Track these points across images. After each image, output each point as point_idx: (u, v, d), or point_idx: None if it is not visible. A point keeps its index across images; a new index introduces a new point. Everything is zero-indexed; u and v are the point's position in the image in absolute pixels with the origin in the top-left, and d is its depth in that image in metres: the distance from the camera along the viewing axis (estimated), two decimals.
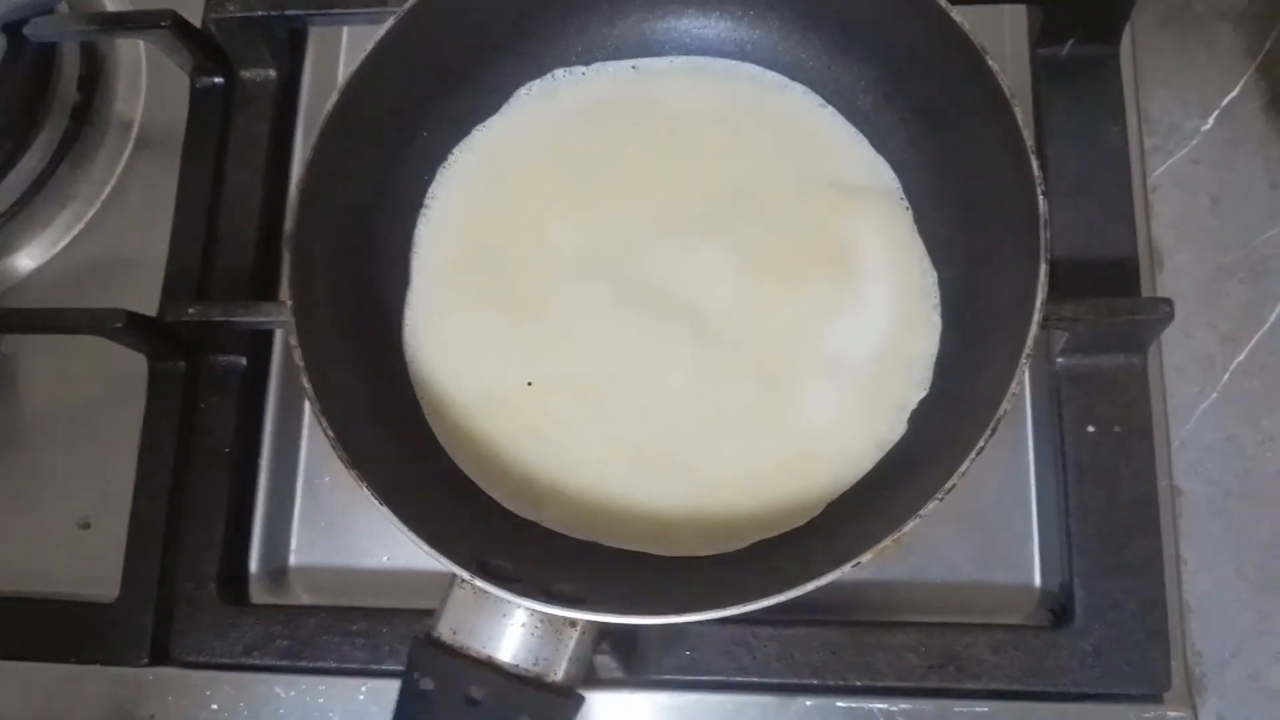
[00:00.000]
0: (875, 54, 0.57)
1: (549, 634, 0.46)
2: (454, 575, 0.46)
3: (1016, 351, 0.46)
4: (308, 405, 0.65)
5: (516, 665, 0.46)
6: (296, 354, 0.50)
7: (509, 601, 0.45)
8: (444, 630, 0.47)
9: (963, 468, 0.45)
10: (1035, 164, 0.47)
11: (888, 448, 0.54)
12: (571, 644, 0.46)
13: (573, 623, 0.46)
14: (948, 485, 0.45)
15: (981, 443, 0.45)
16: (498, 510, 0.54)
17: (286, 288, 0.52)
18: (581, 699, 0.47)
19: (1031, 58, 0.62)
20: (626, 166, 0.59)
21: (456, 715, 0.45)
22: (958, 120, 0.54)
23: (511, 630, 0.46)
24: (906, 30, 0.54)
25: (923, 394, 0.55)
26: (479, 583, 0.45)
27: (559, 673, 0.46)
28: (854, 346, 0.55)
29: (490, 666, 0.46)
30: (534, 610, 0.45)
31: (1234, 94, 0.63)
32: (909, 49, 0.55)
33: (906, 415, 0.54)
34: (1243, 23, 0.64)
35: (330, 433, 0.48)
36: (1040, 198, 0.47)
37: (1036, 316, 0.46)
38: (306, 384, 0.49)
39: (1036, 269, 0.47)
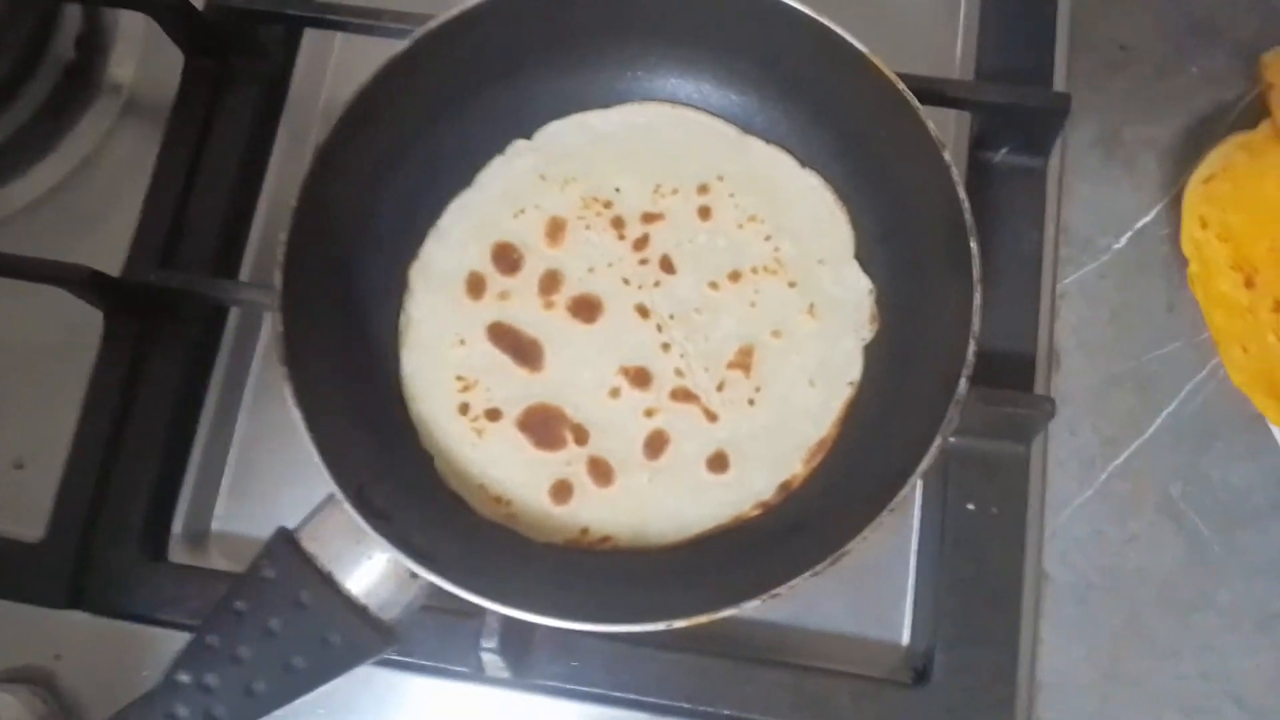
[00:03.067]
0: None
1: (392, 576, 0.49)
2: (332, 492, 0.49)
3: (928, 436, 0.50)
4: (249, 385, 0.69)
5: (352, 591, 0.49)
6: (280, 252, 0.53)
7: (366, 534, 0.48)
8: (304, 535, 0.50)
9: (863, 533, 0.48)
10: (977, 274, 0.51)
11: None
12: (410, 593, 0.50)
13: (415, 575, 0.49)
14: (847, 547, 0.48)
15: (887, 509, 0.49)
16: (408, 454, 0.57)
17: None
18: (395, 642, 0.50)
19: (969, 158, 0.67)
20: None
21: (281, 609, 0.48)
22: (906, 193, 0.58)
23: (361, 559, 0.49)
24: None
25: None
26: (348, 508, 0.48)
27: (387, 612, 0.50)
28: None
29: (328, 582, 0.49)
30: (386, 550, 0.48)
31: (1147, 219, 0.68)
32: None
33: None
34: (1165, 157, 0.69)
35: (280, 327, 0.51)
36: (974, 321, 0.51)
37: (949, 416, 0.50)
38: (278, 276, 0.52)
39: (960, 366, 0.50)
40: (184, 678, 0.47)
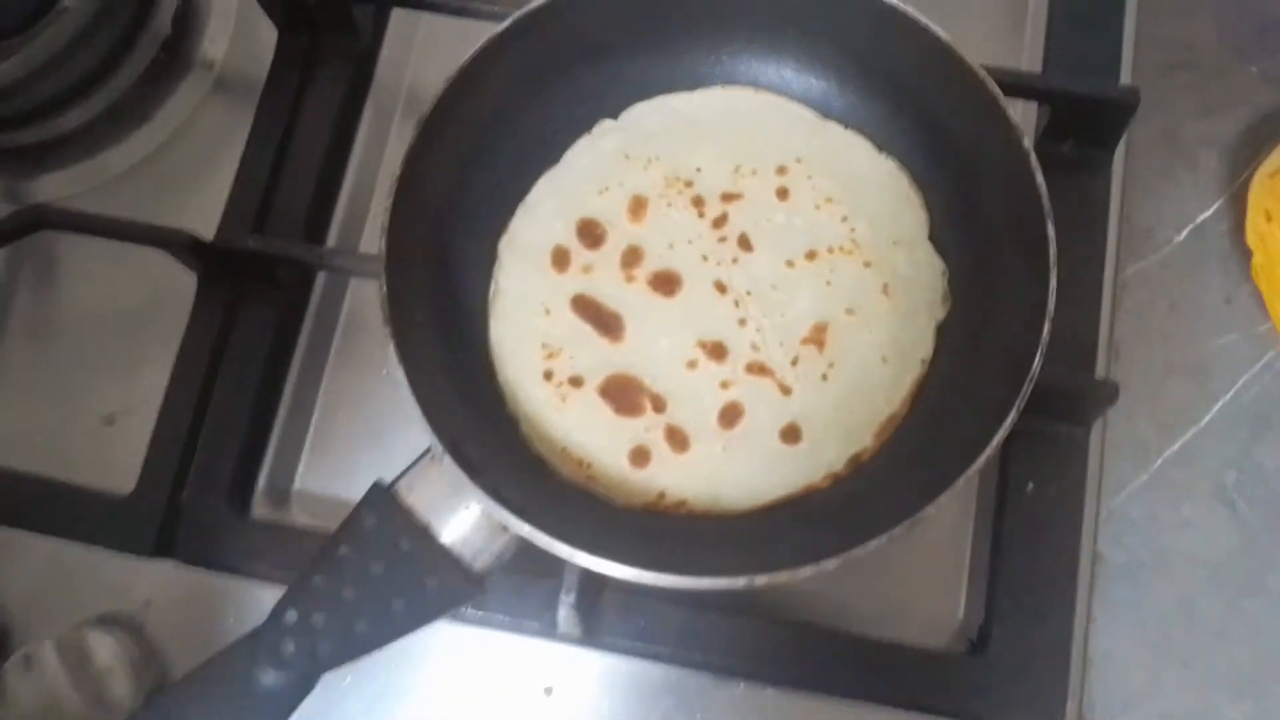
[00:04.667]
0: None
1: (484, 527, 0.52)
2: (431, 445, 0.51)
3: (1002, 410, 0.51)
4: (333, 350, 0.72)
5: (447, 541, 0.52)
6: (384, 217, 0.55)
7: (462, 486, 0.50)
8: (402, 486, 0.53)
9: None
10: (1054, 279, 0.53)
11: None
12: (499, 544, 0.52)
13: (505, 528, 0.51)
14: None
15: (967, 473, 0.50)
16: (496, 417, 0.59)
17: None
18: (484, 590, 0.52)
19: (1034, 148, 0.69)
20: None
21: (382, 555, 0.51)
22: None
23: (456, 510, 0.52)
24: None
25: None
26: (446, 461, 0.51)
27: (478, 562, 0.52)
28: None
29: (426, 531, 0.51)
30: (480, 501, 0.51)
31: (1207, 214, 0.70)
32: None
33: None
34: (1225, 154, 0.71)
35: (384, 288, 0.53)
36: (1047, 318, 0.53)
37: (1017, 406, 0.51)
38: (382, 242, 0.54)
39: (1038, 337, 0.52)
40: (291, 615, 0.50)
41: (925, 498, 0.50)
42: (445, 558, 0.51)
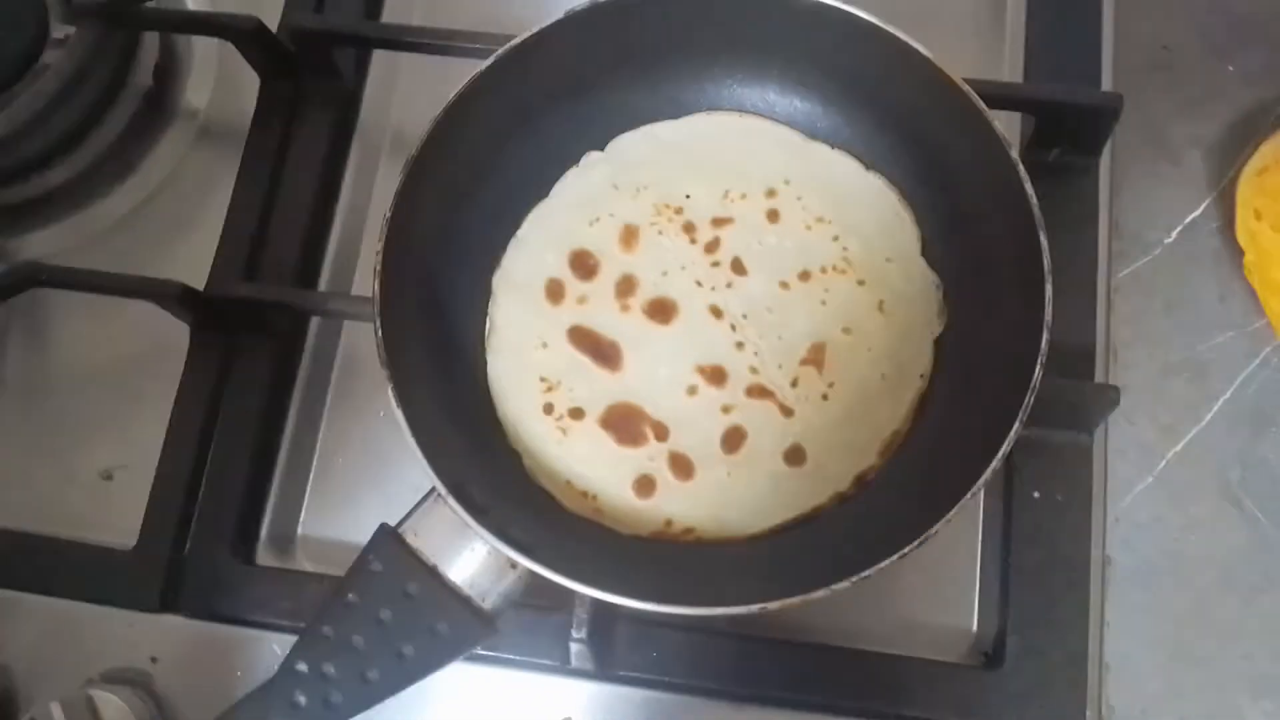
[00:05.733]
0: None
1: (492, 567, 0.52)
2: (434, 487, 0.51)
3: (1005, 422, 0.51)
4: (330, 394, 0.72)
5: (455, 582, 0.51)
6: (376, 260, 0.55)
7: (468, 527, 0.50)
8: (408, 530, 0.52)
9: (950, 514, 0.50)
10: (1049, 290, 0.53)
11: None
12: (507, 583, 0.52)
13: (514, 565, 0.51)
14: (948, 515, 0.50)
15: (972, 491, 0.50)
16: (498, 453, 0.59)
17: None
18: (496, 630, 0.52)
19: (1020, 158, 0.69)
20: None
21: (391, 601, 0.51)
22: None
23: (463, 551, 0.52)
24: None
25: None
26: (451, 502, 0.50)
27: (487, 602, 0.52)
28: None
29: (434, 573, 0.51)
30: (486, 541, 0.50)
31: (1196, 214, 0.70)
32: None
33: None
34: (1211, 153, 0.71)
35: (379, 332, 0.53)
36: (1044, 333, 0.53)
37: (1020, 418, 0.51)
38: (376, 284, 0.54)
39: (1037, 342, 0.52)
40: (302, 666, 0.49)
41: (933, 514, 0.50)
42: (454, 600, 0.51)
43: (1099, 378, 0.66)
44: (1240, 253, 0.66)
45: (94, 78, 0.72)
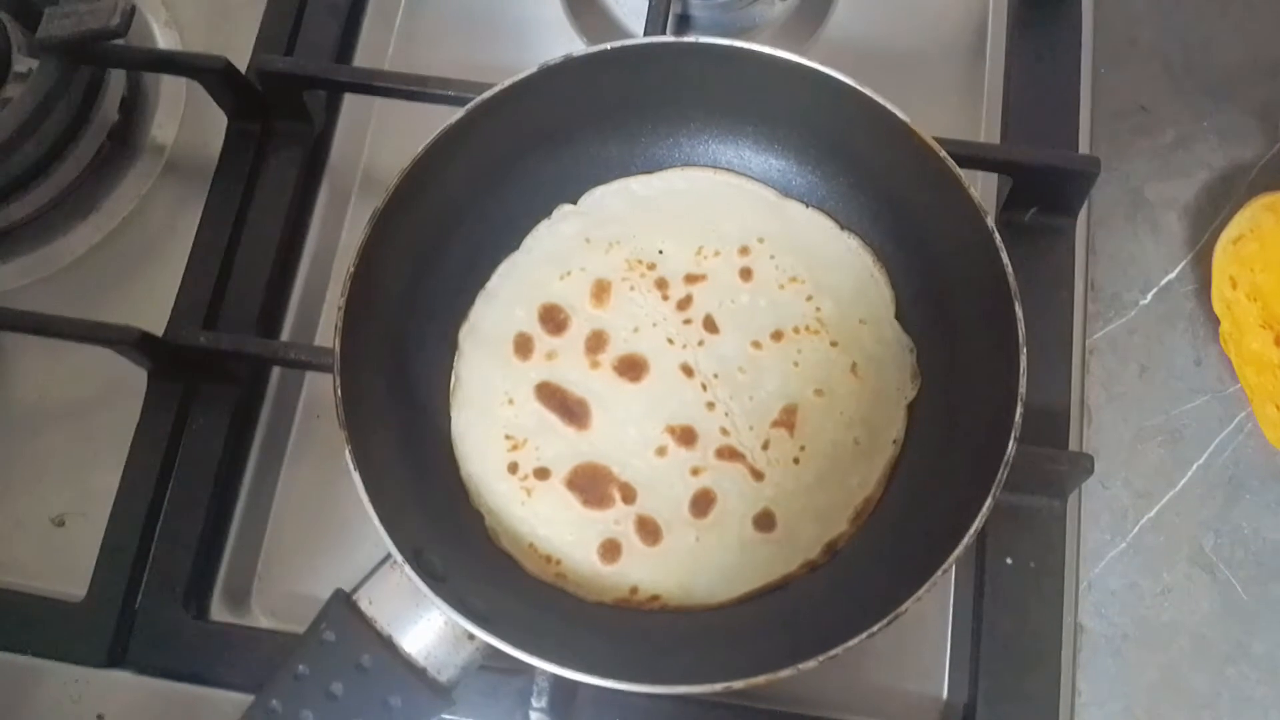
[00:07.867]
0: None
1: (449, 637, 0.50)
2: (389, 554, 0.50)
3: (979, 495, 0.50)
4: (290, 443, 0.70)
5: (410, 653, 0.50)
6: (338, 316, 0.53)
7: (424, 594, 0.49)
8: (362, 597, 0.51)
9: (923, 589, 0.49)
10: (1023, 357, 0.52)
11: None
12: (465, 654, 0.51)
13: (471, 636, 0.49)
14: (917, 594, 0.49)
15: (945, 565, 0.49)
16: (460, 515, 0.58)
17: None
18: (452, 703, 0.51)
19: (996, 219, 0.68)
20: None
21: (342, 673, 0.49)
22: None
23: (419, 620, 0.50)
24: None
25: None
26: (408, 571, 0.49)
27: (443, 674, 0.50)
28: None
29: (388, 645, 0.50)
30: (444, 612, 0.49)
31: (1171, 276, 0.70)
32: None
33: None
34: (1186, 214, 0.71)
35: (339, 390, 0.52)
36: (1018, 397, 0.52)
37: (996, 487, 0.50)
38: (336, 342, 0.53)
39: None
40: None
41: (904, 589, 0.49)
42: (409, 673, 0.49)
43: (1073, 441, 0.65)
44: (1216, 320, 0.66)
45: (57, 112, 0.70)
